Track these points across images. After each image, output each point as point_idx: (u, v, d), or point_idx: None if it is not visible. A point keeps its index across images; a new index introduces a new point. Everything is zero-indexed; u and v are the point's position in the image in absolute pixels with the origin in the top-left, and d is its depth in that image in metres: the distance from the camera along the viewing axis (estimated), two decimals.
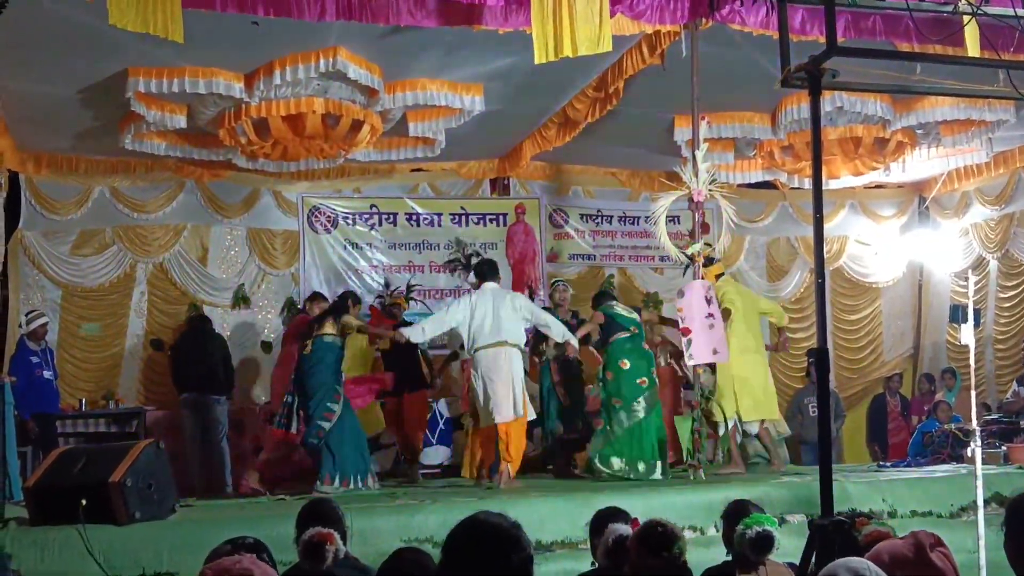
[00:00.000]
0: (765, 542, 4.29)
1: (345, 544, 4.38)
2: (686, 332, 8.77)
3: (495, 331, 8.71)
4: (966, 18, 6.79)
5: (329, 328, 8.96)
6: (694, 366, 8.93)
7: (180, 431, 11.09)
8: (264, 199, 12.65)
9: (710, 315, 8.76)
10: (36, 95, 9.81)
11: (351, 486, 8.72)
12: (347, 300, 9.43)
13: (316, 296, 10.54)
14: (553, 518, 6.80)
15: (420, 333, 9.01)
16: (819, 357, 4.00)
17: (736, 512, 4.55)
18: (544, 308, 9.96)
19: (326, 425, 8.72)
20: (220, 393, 11.07)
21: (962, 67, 7.50)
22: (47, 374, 10.32)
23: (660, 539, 3.71)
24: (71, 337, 11.87)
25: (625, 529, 4.40)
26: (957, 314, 6.66)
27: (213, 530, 5.67)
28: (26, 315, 10.61)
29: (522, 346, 8.97)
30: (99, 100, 9.91)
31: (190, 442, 11.02)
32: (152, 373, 12.09)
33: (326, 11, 7.65)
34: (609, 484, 8.61)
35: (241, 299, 12.35)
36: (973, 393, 6.56)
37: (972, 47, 7.58)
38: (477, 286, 9.14)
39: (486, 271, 9.18)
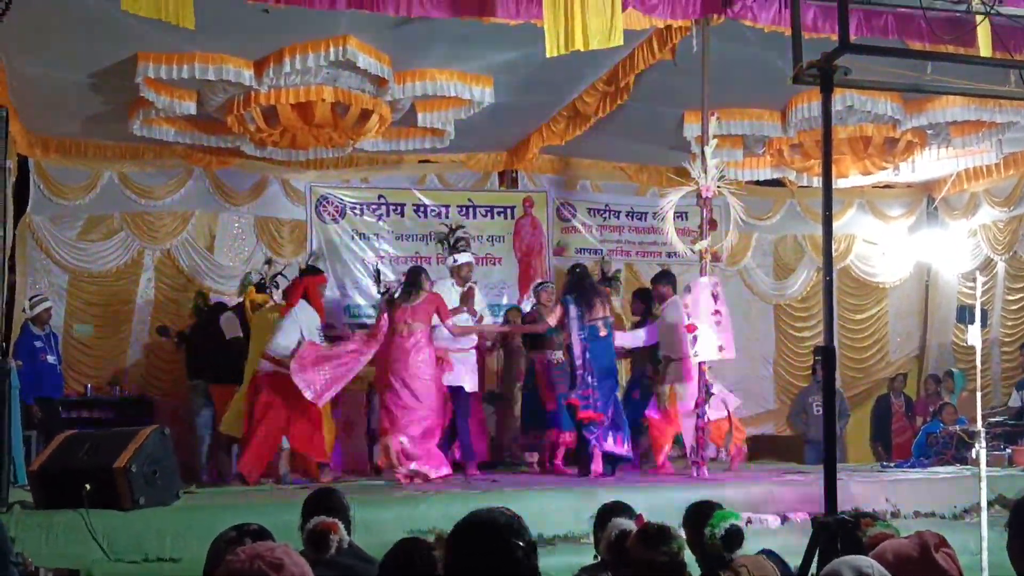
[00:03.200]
0: (736, 537, 4.27)
1: (349, 534, 4.39)
2: (691, 329, 8.76)
3: None
4: (979, 18, 6.77)
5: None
6: (699, 363, 8.92)
7: (184, 418, 11.07)
8: (272, 187, 12.63)
9: (716, 312, 8.77)
10: (46, 79, 9.81)
11: None
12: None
13: (424, 273, 9.69)
14: (556, 512, 6.81)
15: None
16: (826, 355, 3.99)
17: (699, 514, 4.48)
18: (532, 308, 10.34)
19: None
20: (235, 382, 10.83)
21: (974, 68, 7.47)
22: (51, 359, 10.34)
23: (657, 536, 3.72)
24: (77, 322, 11.89)
25: (628, 524, 4.40)
26: (964, 315, 6.65)
27: (217, 517, 5.68)
28: (29, 299, 10.62)
29: None
30: (108, 85, 9.91)
31: (203, 429, 10.93)
32: (158, 359, 12.10)
33: (336, 0, 7.66)
34: (613, 479, 8.63)
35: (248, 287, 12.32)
36: (979, 395, 6.56)
37: (984, 47, 7.55)
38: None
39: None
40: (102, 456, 6.43)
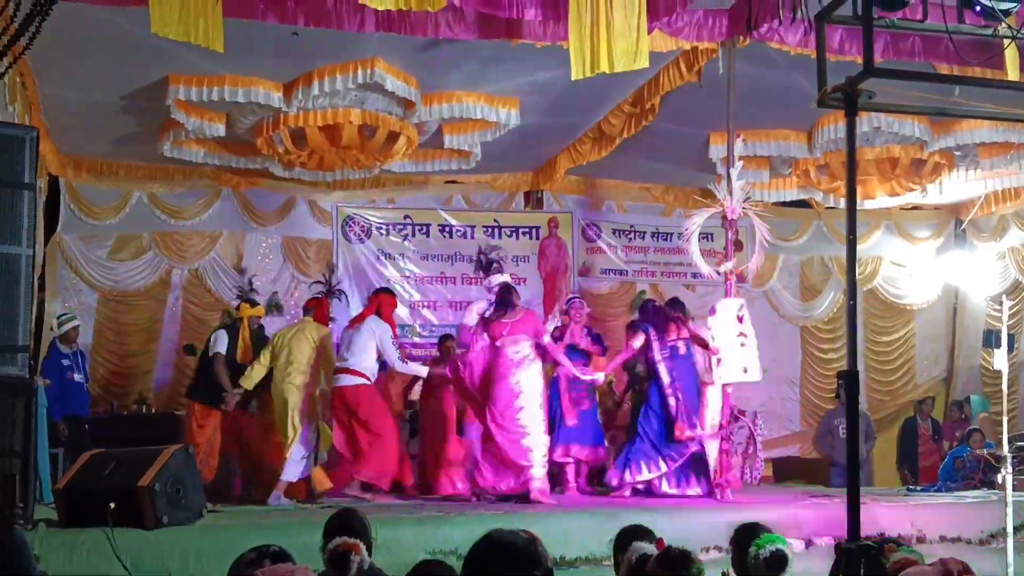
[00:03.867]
0: (779, 561, 4.24)
1: (370, 555, 4.39)
2: (715, 351, 8.74)
3: None
4: (1006, 41, 6.73)
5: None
6: (723, 384, 8.90)
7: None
8: (299, 208, 12.73)
9: (741, 334, 8.73)
10: (78, 100, 9.93)
11: None
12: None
13: (515, 290, 9.49)
14: (578, 534, 6.79)
15: None
16: (849, 380, 3.97)
17: (746, 535, 4.49)
18: (558, 326, 10.27)
19: None
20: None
21: (1002, 90, 7.44)
22: (78, 377, 10.39)
23: (678, 561, 3.71)
24: (105, 341, 11.99)
25: (649, 548, 4.37)
26: (991, 339, 6.62)
27: (239, 537, 5.69)
28: (57, 318, 10.69)
29: None
30: (139, 106, 10.03)
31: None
32: (185, 378, 12.16)
33: (365, 22, 7.71)
34: (635, 501, 8.60)
35: (274, 306, 12.38)
36: (1005, 419, 6.50)
37: (1012, 71, 7.52)
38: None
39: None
40: (126, 475, 6.47)
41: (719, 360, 8.77)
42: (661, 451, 9.20)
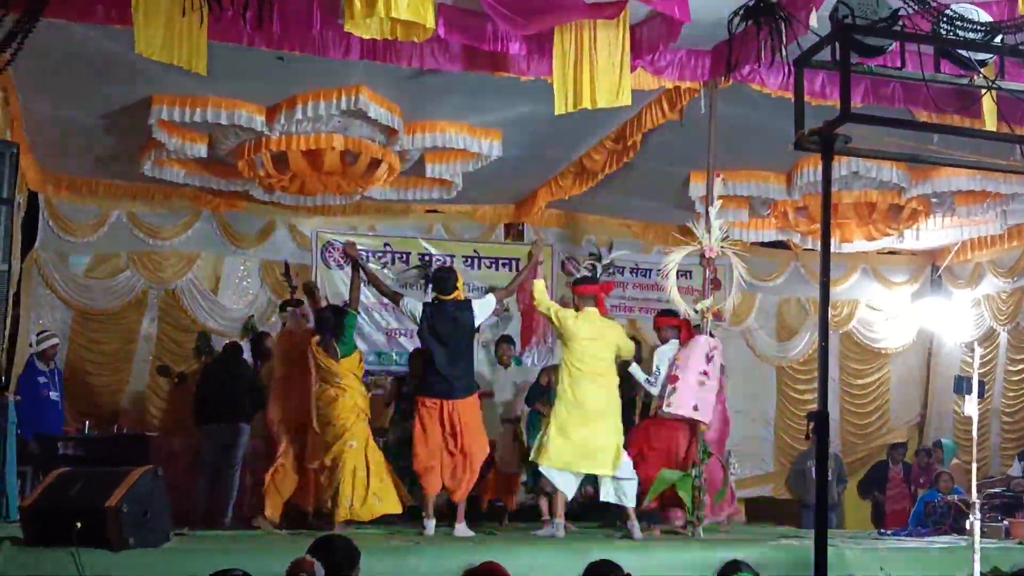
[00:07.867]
0: None
1: None
2: (673, 380, 8.68)
3: None
4: (983, 91, 6.82)
5: None
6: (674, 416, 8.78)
7: (180, 458, 11.04)
8: (279, 232, 12.69)
9: (704, 372, 8.70)
10: (60, 118, 9.93)
11: None
12: None
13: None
14: (547, 569, 6.74)
15: None
16: (819, 421, 4.00)
17: (728, 572, 4.54)
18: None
19: None
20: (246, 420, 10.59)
21: (979, 140, 7.52)
22: (54, 395, 10.34)
23: None
24: (79, 360, 11.90)
25: None
26: (961, 385, 6.67)
27: (205, 561, 5.66)
28: (37, 335, 10.65)
29: None
30: (121, 126, 10.02)
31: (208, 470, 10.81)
32: (157, 399, 12.10)
33: (351, 50, 7.78)
34: (606, 538, 8.57)
35: (250, 330, 12.31)
36: (974, 465, 6.53)
37: (989, 120, 7.61)
38: None
39: None
40: (94, 495, 6.39)
41: (674, 389, 8.71)
42: None
